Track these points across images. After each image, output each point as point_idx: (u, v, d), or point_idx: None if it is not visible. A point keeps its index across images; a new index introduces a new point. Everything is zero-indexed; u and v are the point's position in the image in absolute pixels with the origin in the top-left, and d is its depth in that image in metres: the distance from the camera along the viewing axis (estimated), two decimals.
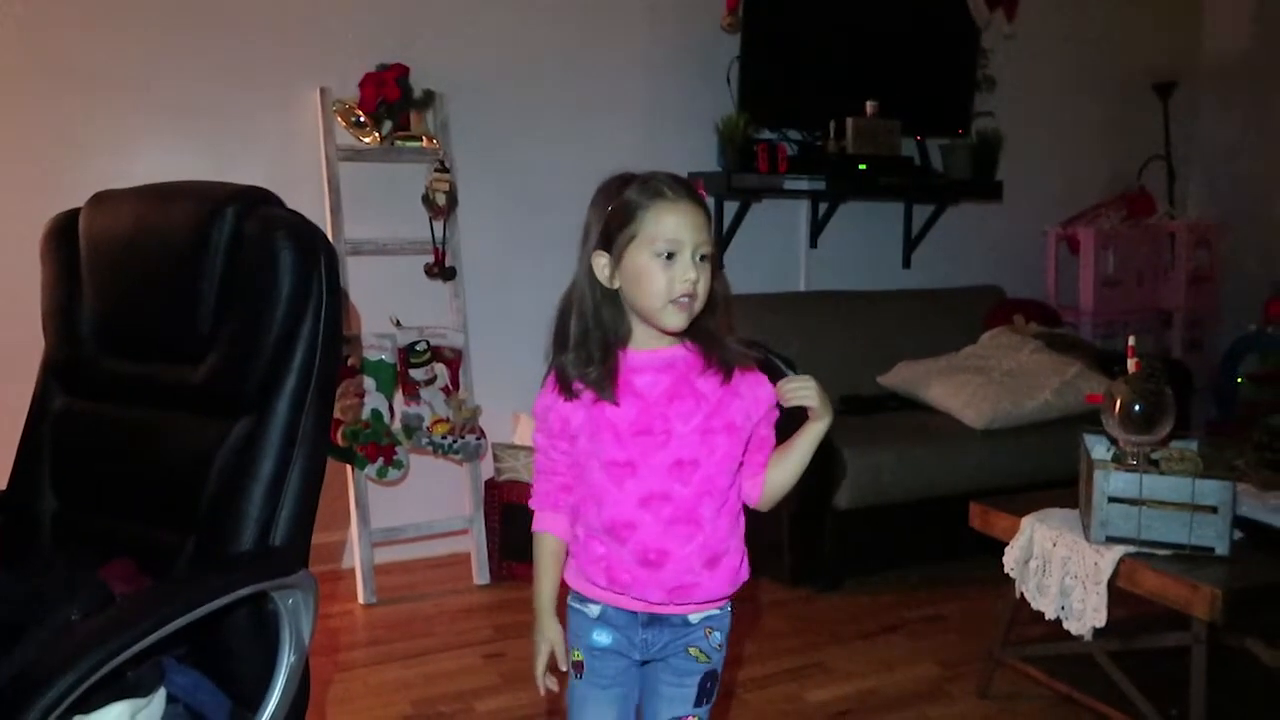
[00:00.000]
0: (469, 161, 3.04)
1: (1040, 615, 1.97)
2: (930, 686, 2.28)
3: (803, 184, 3.28)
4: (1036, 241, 4.03)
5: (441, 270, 2.97)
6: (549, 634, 1.26)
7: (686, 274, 1.13)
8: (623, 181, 1.18)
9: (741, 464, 1.23)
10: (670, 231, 1.14)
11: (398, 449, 2.84)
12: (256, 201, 1.32)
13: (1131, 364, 1.94)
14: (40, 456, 1.44)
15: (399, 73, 2.89)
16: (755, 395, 1.21)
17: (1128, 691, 1.93)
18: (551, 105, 3.16)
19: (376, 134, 2.90)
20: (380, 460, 2.82)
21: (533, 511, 1.28)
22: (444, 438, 2.91)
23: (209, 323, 1.29)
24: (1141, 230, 3.91)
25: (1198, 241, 3.96)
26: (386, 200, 2.96)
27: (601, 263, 1.17)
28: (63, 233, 1.44)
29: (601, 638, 1.25)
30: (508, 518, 2.96)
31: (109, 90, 2.67)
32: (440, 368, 2.96)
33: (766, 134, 3.34)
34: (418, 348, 2.91)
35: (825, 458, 2.72)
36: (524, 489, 2.87)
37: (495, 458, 3.04)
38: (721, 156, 3.27)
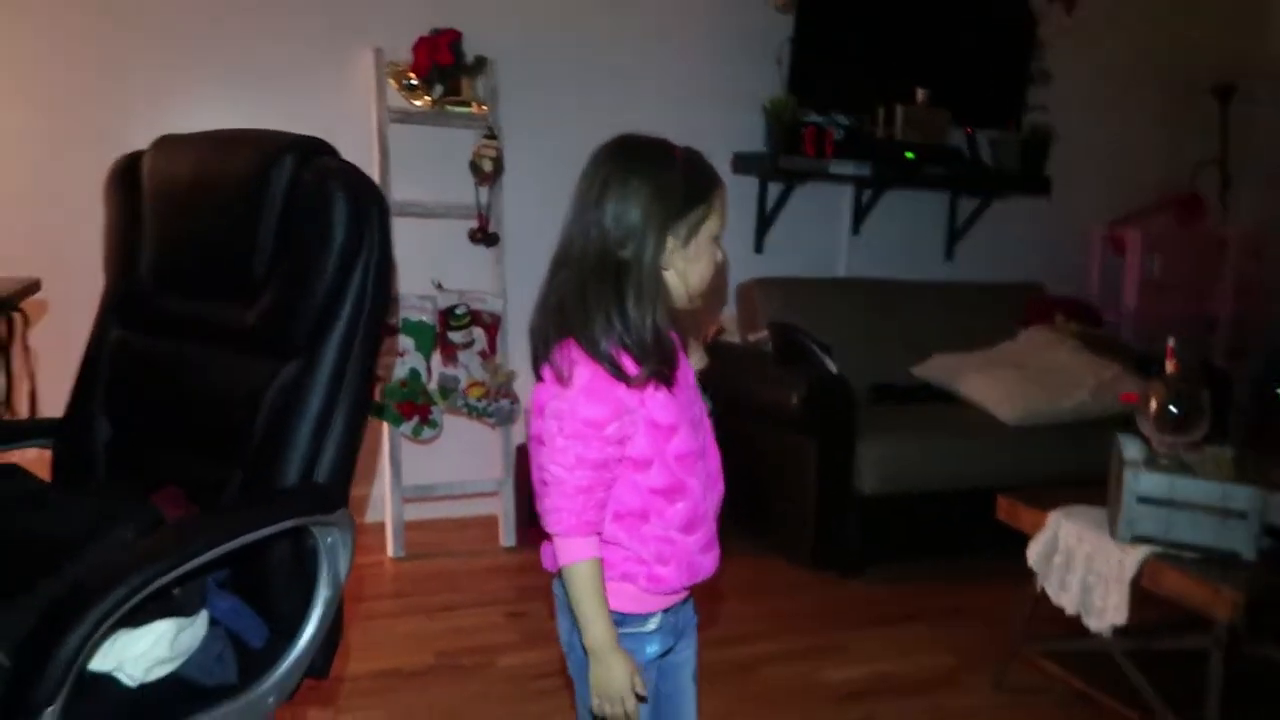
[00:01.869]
0: (516, 129, 3.07)
1: (1059, 612, 1.98)
2: (945, 675, 2.29)
3: (849, 169, 3.28)
4: (1082, 240, 3.99)
5: (485, 236, 3.01)
6: (622, 670, 1.10)
7: (722, 258, 1.14)
8: (669, 152, 1.12)
9: None
10: (726, 217, 1.13)
11: (433, 409, 2.90)
12: (314, 151, 1.35)
13: (1170, 365, 1.93)
14: (96, 386, 1.49)
15: (452, 38, 2.92)
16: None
17: (1144, 691, 1.93)
18: (600, 77, 3.18)
19: (427, 97, 2.93)
20: (415, 419, 2.87)
21: (560, 536, 1.11)
22: (479, 400, 2.96)
23: (264, 266, 1.33)
24: (1190, 235, 3.85)
25: (1248, 250, 3.89)
26: (434, 164, 2.99)
27: (669, 246, 1.09)
28: (126, 173, 1.48)
29: (655, 647, 1.17)
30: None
31: (173, 42, 2.73)
32: (478, 332, 3.00)
33: (814, 117, 3.34)
34: (457, 311, 2.95)
35: (849, 442, 2.73)
36: None
37: (527, 423, 3.07)
38: (768, 137, 3.27)
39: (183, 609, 1.14)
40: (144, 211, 1.45)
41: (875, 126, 3.34)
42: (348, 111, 2.89)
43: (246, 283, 1.34)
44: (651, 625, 1.16)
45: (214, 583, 1.23)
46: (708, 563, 1.16)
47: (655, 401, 1.08)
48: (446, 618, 2.45)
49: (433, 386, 2.92)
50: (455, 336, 2.95)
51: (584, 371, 1.07)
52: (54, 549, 1.17)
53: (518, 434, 3.09)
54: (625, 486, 1.11)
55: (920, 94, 3.33)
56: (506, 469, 3.04)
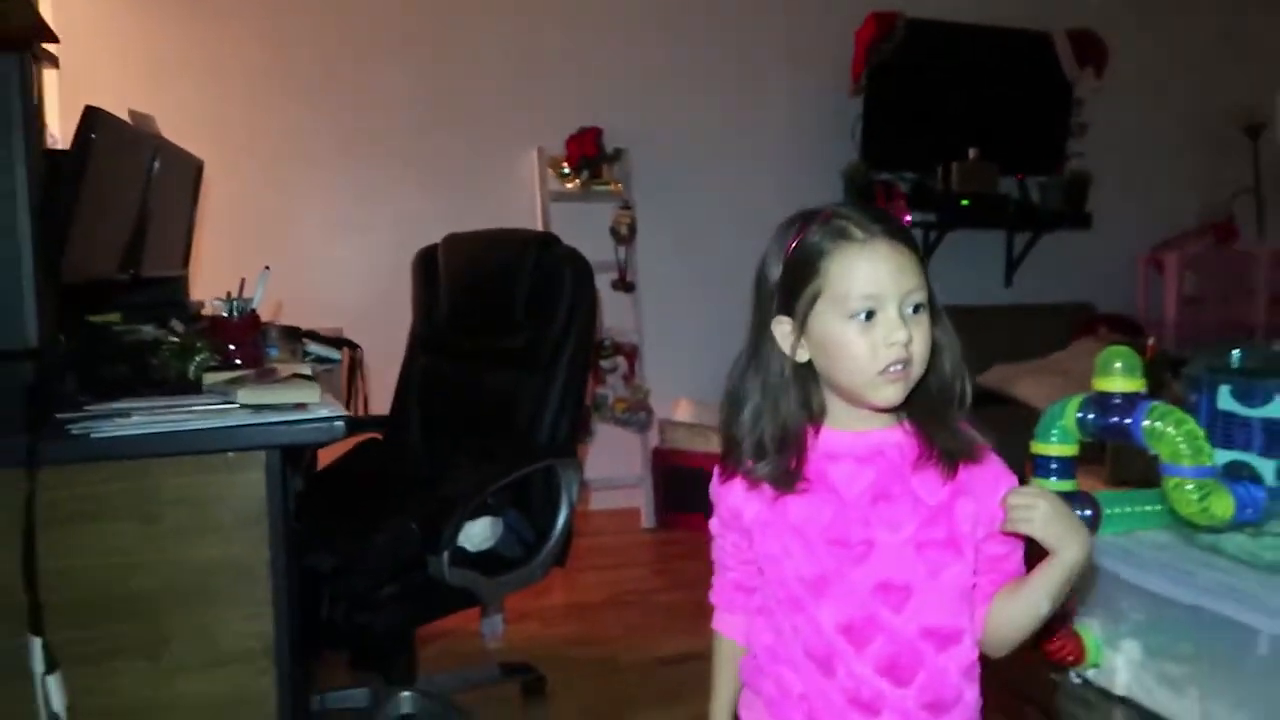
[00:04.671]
0: (646, 201, 3.92)
1: None
2: None
3: (915, 217, 4.01)
4: (1129, 265, 4.60)
5: (624, 284, 3.86)
6: None
7: (894, 335, 0.88)
8: (803, 220, 0.94)
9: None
10: (865, 283, 0.89)
11: (590, 420, 3.74)
12: (549, 241, 2.20)
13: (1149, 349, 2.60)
14: (409, 393, 2.37)
15: (595, 134, 3.80)
16: (991, 498, 0.93)
17: None
18: (711, 157, 4.01)
19: (577, 180, 3.81)
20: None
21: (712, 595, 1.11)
22: (623, 413, 3.80)
23: (520, 314, 2.18)
24: (1224, 255, 4.43)
25: (1278, 265, 4.44)
26: (583, 230, 3.83)
27: (785, 330, 0.94)
28: (426, 257, 2.37)
29: None
30: (668, 477, 3.80)
31: (393, 156, 3.68)
32: (621, 360, 3.84)
33: (884, 175, 4.09)
34: (605, 344, 3.81)
35: None
36: (683, 455, 3.71)
37: (660, 430, 3.89)
38: (846, 196, 4.03)
39: (495, 511, 1.97)
40: (440, 281, 2.33)
41: (935, 181, 4.08)
42: (518, 194, 3.80)
43: (509, 325, 2.19)
44: None
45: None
46: None
47: (780, 506, 0.95)
48: (612, 572, 3.27)
49: (589, 403, 3.77)
50: (604, 364, 3.80)
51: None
52: (415, 483, 2.04)
53: (653, 439, 3.90)
54: (766, 589, 1.01)
55: (972, 152, 4.04)
56: (645, 466, 3.85)
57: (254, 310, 1.76)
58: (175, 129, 2.24)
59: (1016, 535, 0.92)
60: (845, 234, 0.90)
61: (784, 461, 0.94)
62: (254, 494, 1.26)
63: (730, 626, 1.08)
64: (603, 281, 3.86)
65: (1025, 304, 4.41)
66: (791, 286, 0.93)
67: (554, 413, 2.11)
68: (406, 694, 2.10)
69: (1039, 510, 0.87)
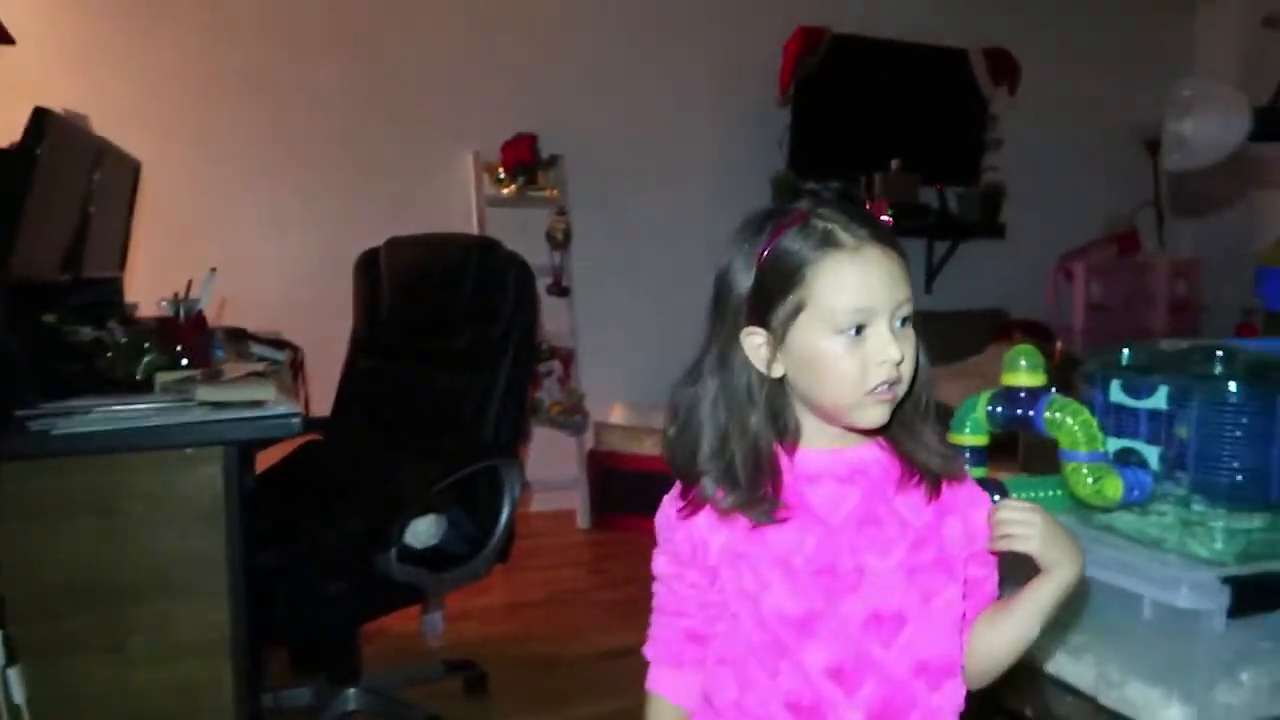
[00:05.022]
0: (581, 207, 3.99)
1: None
2: None
3: None
4: (1040, 273, 4.84)
5: (559, 289, 3.92)
6: None
7: (885, 352, 0.81)
8: (774, 223, 0.84)
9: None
10: (856, 296, 0.81)
11: (528, 423, 3.79)
12: (491, 245, 2.26)
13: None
14: (350, 393, 2.40)
15: (530, 140, 3.86)
16: (974, 515, 0.88)
17: None
18: (645, 164, 4.11)
19: (513, 186, 3.87)
20: None
21: (648, 661, 0.97)
22: (559, 416, 3.86)
23: (461, 316, 2.23)
24: (1128, 264, 4.69)
25: (1177, 274, 4.72)
26: (519, 235, 3.88)
27: (757, 343, 0.85)
28: (368, 260, 2.40)
29: None
30: (604, 478, 3.88)
31: (330, 156, 3.69)
32: (556, 363, 3.90)
33: (810, 184, 4.23)
34: (541, 348, 3.86)
35: None
36: (618, 457, 3.79)
37: (595, 433, 3.97)
38: (774, 203, 4.17)
39: (440, 510, 2.02)
40: (382, 283, 2.37)
41: (859, 190, 4.24)
42: (454, 197, 3.83)
43: (452, 327, 2.24)
44: None
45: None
46: None
47: (755, 536, 0.85)
48: (550, 571, 3.32)
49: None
50: (540, 368, 3.86)
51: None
52: (360, 483, 2.08)
53: (588, 441, 3.97)
54: (734, 636, 0.89)
55: (894, 163, 4.22)
56: (580, 468, 3.92)
57: (200, 311, 1.78)
58: (109, 127, 2.22)
59: (995, 554, 0.87)
60: (832, 240, 0.82)
61: (758, 488, 0.84)
62: (212, 489, 1.30)
63: (675, 687, 0.94)
64: (538, 286, 3.92)
65: (944, 310, 4.59)
66: (767, 296, 0.83)
67: (496, 413, 2.17)
68: (351, 691, 2.14)
69: (1037, 526, 0.82)
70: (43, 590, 1.22)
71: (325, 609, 1.87)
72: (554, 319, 3.93)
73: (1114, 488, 1.15)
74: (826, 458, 0.86)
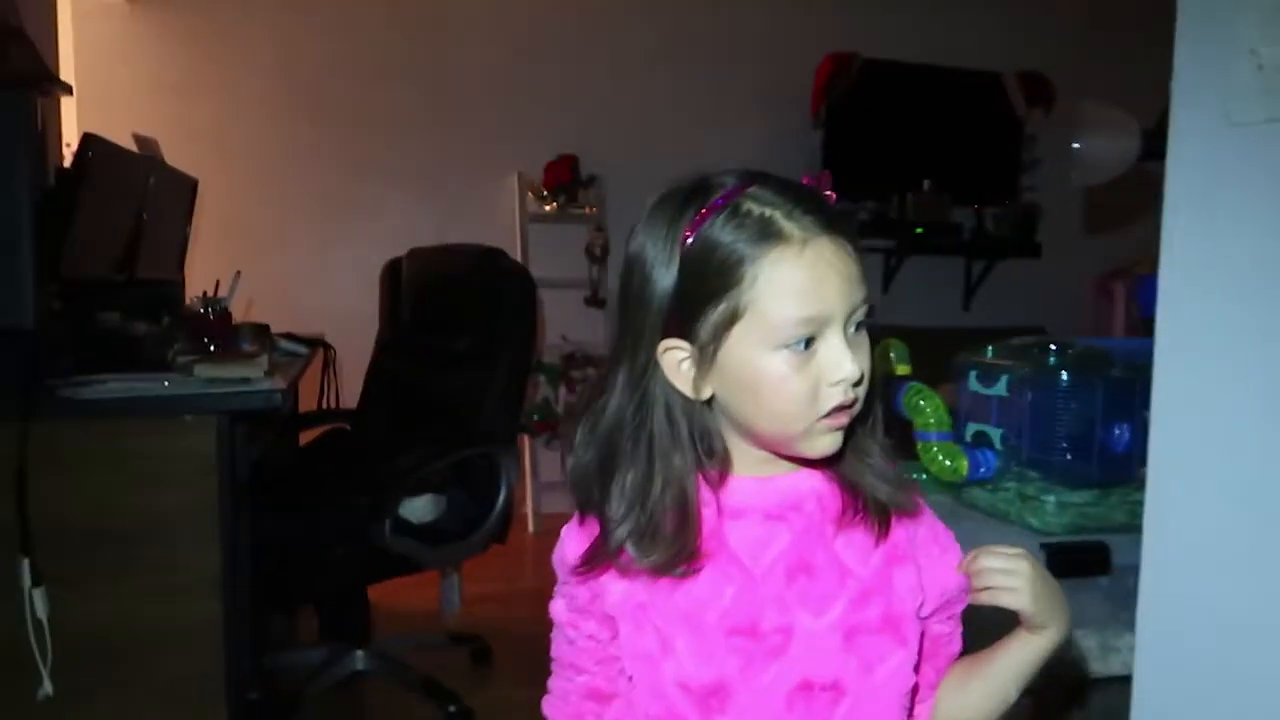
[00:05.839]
0: (617, 223, 4.22)
1: None
2: None
3: (875, 243, 4.29)
4: (1080, 290, 4.84)
5: (596, 301, 4.15)
6: None
7: (841, 370, 0.67)
8: (697, 202, 0.71)
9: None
10: (805, 303, 0.66)
11: (559, 425, 4.02)
12: (497, 255, 2.50)
13: None
14: (374, 388, 2.66)
15: (570, 161, 4.11)
16: (938, 562, 0.75)
17: None
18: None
19: (554, 204, 4.12)
20: (548, 433, 4.00)
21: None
22: None
23: (468, 319, 2.47)
24: None
25: None
26: (559, 250, 4.17)
27: (678, 359, 0.69)
28: (392, 268, 2.67)
29: None
30: None
31: (384, 174, 4.01)
32: (591, 370, 4.12)
33: (845, 204, 4.36)
34: (577, 356, 4.09)
35: None
36: None
37: None
38: None
39: (437, 489, 2.25)
40: (403, 289, 2.63)
41: (891, 210, 4.35)
42: (499, 214, 4.11)
43: (457, 329, 2.48)
44: None
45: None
46: None
47: (660, 587, 0.71)
48: None
49: (559, 409, 4.05)
50: (576, 374, 4.09)
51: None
52: (369, 463, 2.33)
53: None
54: (633, 702, 0.76)
55: (926, 183, 4.32)
56: None
57: (225, 307, 2.06)
58: (180, 147, 2.54)
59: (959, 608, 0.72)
60: (774, 231, 0.66)
61: (684, 543, 0.68)
62: (207, 450, 1.55)
63: None
64: (576, 298, 4.17)
65: (983, 327, 4.64)
66: (692, 301, 0.67)
67: (494, 406, 2.39)
68: (359, 652, 2.38)
69: (1025, 577, 0.69)
70: (63, 527, 1.48)
71: (329, 571, 2.11)
72: (591, 329, 4.16)
73: (961, 464, 1.29)
74: (753, 487, 0.71)
